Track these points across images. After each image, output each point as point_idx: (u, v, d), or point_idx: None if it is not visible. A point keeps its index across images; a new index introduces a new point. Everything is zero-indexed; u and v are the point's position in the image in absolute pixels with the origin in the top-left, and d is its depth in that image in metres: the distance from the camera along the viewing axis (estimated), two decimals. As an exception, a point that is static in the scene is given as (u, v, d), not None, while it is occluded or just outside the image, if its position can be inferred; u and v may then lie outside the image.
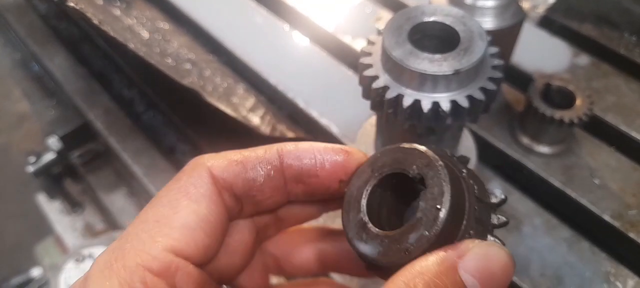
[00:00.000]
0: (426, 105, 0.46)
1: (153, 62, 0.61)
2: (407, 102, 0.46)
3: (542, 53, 0.96)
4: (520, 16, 0.77)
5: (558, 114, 0.77)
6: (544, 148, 0.82)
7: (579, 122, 0.77)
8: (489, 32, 0.74)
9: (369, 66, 0.50)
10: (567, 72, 0.93)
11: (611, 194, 0.78)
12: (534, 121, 0.80)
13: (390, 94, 0.47)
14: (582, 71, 0.94)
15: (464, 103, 0.46)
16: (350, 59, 0.99)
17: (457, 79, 0.46)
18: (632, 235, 0.74)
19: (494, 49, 0.51)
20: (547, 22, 1.03)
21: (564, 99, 0.81)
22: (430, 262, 0.34)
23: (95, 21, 0.59)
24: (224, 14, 1.07)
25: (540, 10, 1.05)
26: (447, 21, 0.49)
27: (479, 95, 0.47)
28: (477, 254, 0.35)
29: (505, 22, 0.75)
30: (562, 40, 0.99)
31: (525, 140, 0.83)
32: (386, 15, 1.05)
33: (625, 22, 1.01)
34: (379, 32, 0.53)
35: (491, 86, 0.48)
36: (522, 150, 0.83)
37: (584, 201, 0.78)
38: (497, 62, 0.50)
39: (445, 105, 0.46)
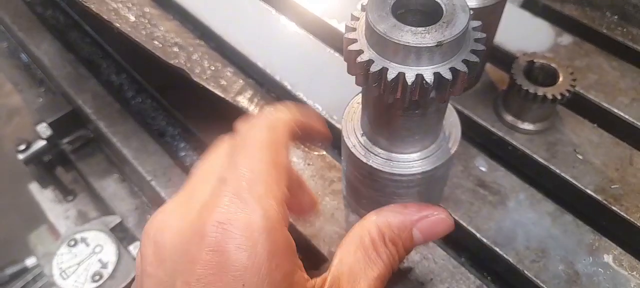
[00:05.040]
0: (410, 78, 0.47)
1: (139, 41, 0.62)
2: (391, 75, 0.47)
3: (525, 33, 0.98)
4: (503, -6, 0.78)
5: (541, 91, 0.78)
6: (527, 126, 0.84)
7: (561, 99, 0.78)
8: (474, 10, 0.76)
9: (354, 41, 0.50)
10: (550, 51, 0.95)
11: (594, 169, 0.80)
12: (518, 99, 0.81)
13: (374, 68, 0.48)
14: (565, 50, 0.95)
15: (447, 75, 0.47)
16: (337, 43, 1.00)
17: (440, 51, 0.47)
18: (615, 208, 0.76)
19: (476, 23, 0.52)
20: (530, 3, 1.04)
21: (547, 76, 0.83)
22: (395, 217, 0.52)
23: (80, -2, 0.59)
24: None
25: (524, -9, 1.06)
26: None
27: (462, 67, 0.48)
28: (433, 221, 0.54)
29: (489, 0, 0.76)
30: (545, 21, 1.00)
31: (509, 118, 0.85)
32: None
33: (606, 4, 1.03)
34: (363, 8, 0.53)
35: (473, 58, 0.49)
36: (506, 127, 0.85)
37: (567, 176, 0.79)
38: (480, 35, 0.51)
39: (429, 77, 0.47)
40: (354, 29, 0.51)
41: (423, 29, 0.47)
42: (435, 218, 0.54)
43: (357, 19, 0.52)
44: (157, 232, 0.46)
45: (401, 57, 0.47)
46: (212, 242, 0.40)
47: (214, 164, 0.49)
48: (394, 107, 0.54)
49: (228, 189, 0.43)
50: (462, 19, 0.48)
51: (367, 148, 0.60)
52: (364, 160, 0.59)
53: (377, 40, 0.48)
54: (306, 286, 0.45)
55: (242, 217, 0.41)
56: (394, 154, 0.59)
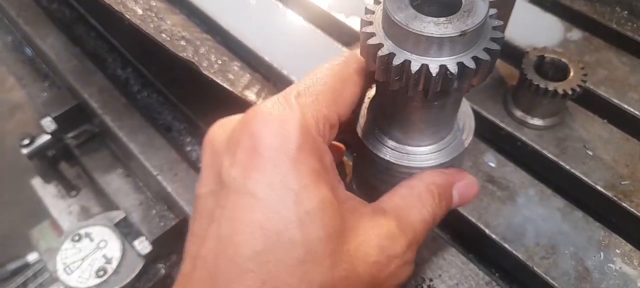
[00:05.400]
0: (434, 69, 0.46)
1: (149, 32, 0.61)
2: (414, 67, 0.46)
3: (534, 28, 0.97)
4: (514, -12, 0.77)
5: (552, 86, 0.78)
6: (537, 121, 0.83)
7: (572, 94, 0.77)
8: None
9: (372, 34, 0.49)
10: (560, 46, 0.94)
11: (604, 165, 0.79)
12: (528, 94, 0.81)
13: (396, 61, 0.47)
14: (574, 45, 0.94)
15: (471, 64, 0.46)
16: (344, 37, 0.99)
17: (462, 41, 0.46)
18: (625, 204, 0.75)
19: (493, 10, 0.51)
20: (540, -2, 1.04)
21: (558, 71, 0.82)
22: (440, 176, 0.56)
23: (90, -11, 0.58)
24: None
25: (533, -14, 1.05)
26: None
27: (484, 56, 0.47)
28: (467, 183, 0.58)
29: (500, -6, 0.76)
30: (554, 16, 1.00)
31: (519, 113, 0.84)
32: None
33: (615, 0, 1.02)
34: (376, 1, 0.52)
35: (495, 46, 0.48)
36: (516, 123, 0.84)
37: (577, 172, 0.79)
38: (497, 23, 0.50)
39: (453, 68, 0.46)
40: (371, 23, 0.50)
41: (445, 19, 0.46)
42: (468, 181, 0.59)
43: (373, 12, 0.51)
44: (212, 133, 0.52)
45: (423, 49, 0.46)
46: (252, 127, 0.46)
47: None
48: (412, 100, 0.54)
49: (281, 93, 0.49)
50: (482, 7, 0.47)
51: (381, 142, 0.59)
52: (379, 153, 0.58)
53: (397, 32, 0.47)
54: (334, 193, 0.48)
55: (281, 112, 0.47)
56: (408, 147, 0.58)
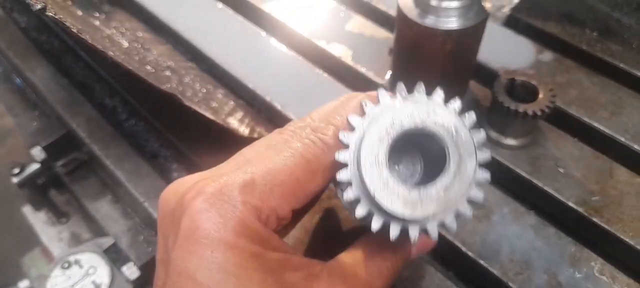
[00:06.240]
0: (394, 233, 0.45)
1: (132, 68, 0.64)
2: (375, 224, 0.46)
3: (507, 51, 1.01)
4: (483, 15, 0.80)
5: (522, 108, 0.81)
6: (511, 141, 0.86)
7: (541, 114, 0.80)
8: (455, 32, 0.78)
9: (344, 167, 0.47)
10: (532, 68, 0.98)
11: (575, 182, 0.82)
12: (500, 115, 0.84)
13: (360, 212, 0.46)
14: (546, 67, 0.98)
15: (434, 233, 0.45)
16: (325, 63, 1.02)
17: None
18: (595, 219, 0.78)
19: (483, 155, 0.47)
20: (513, 21, 1.08)
21: (528, 93, 0.85)
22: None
23: (74, 30, 0.61)
24: (202, 23, 1.10)
25: (506, 10, 1.09)
26: (437, 133, 0.46)
27: (451, 224, 0.45)
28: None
29: (469, 22, 0.79)
30: (527, 38, 1.03)
31: (493, 134, 0.87)
32: (360, 21, 1.08)
33: (589, 19, 1.06)
34: (364, 109, 0.48)
35: (467, 213, 0.45)
36: (491, 143, 0.87)
37: (549, 189, 0.82)
38: (482, 176, 0.46)
39: (413, 234, 0.45)
40: (347, 147, 0.47)
41: (417, 193, 0.44)
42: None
43: (353, 128, 0.48)
44: (165, 195, 0.52)
45: (389, 211, 0.46)
46: (192, 210, 0.45)
47: (261, 145, 0.53)
48: None
49: (234, 174, 0.48)
50: (465, 181, 0.45)
51: None
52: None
53: (365, 190, 0.46)
54: (282, 265, 0.48)
55: (221, 203, 0.46)
56: None
